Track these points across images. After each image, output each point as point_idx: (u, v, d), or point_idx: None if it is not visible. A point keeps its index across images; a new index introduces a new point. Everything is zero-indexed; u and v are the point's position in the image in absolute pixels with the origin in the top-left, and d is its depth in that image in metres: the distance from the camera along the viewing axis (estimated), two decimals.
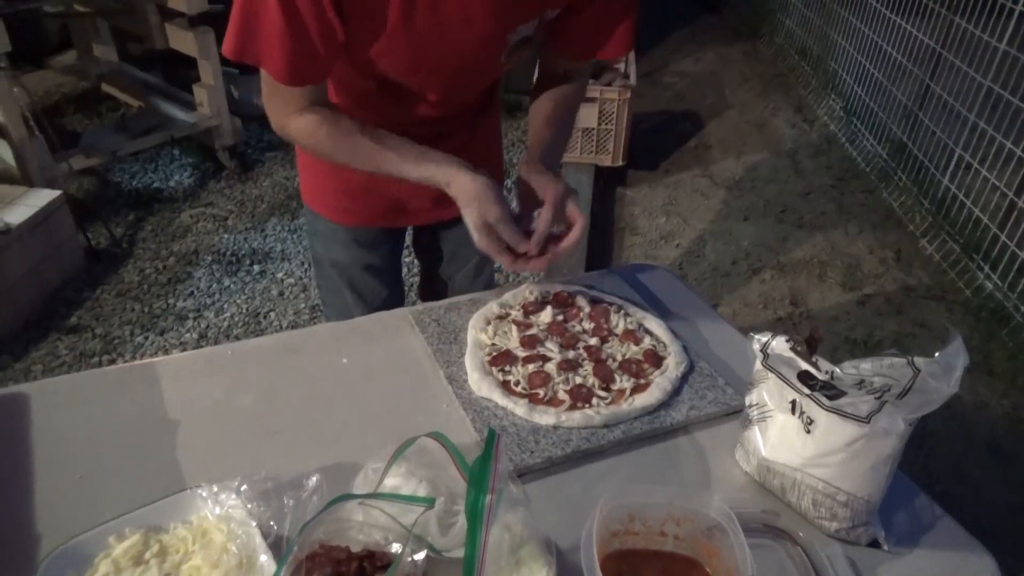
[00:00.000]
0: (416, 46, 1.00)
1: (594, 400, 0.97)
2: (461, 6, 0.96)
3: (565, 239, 1.05)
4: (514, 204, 1.08)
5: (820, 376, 0.80)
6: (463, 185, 1.01)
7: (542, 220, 1.03)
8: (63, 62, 4.28)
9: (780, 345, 0.85)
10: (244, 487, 0.77)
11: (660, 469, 0.91)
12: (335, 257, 1.37)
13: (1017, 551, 1.85)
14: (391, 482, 0.76)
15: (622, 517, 0.74)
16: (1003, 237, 2.63)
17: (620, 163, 3.44)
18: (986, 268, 2.72)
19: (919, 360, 0.75)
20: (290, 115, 1.04)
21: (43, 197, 2.66)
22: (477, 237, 1.02)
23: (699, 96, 4.37)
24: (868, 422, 0.74)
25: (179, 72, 3.65)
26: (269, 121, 1.08)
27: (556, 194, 1.04)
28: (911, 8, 3.30)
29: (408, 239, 1.50)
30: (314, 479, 0.78)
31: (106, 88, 3.91)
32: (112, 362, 2.43)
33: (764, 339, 0.86)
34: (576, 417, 0.94)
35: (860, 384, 0.78)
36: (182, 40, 3.20)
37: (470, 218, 1.01)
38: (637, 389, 0.99)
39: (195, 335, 2.55)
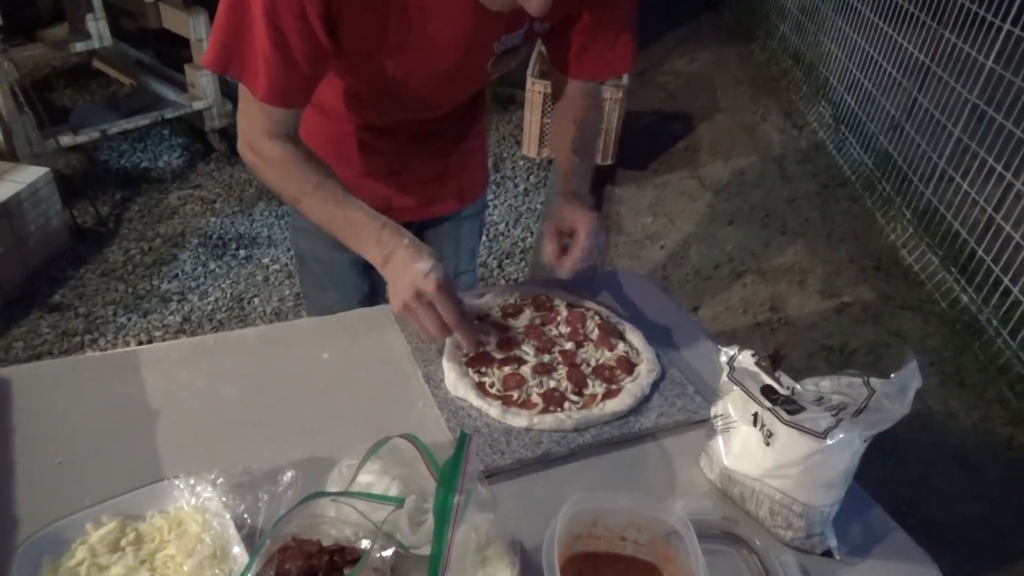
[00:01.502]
0: (408, 57, 1.02)
1: (566, 404, 0.99)
2: (450, 17, 0.98)
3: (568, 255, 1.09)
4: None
5: (782, 391, 0.83)
6: (415, 246, 0.99)
7: (577, 246, 1.07)
8: (55, 35, 4.24)
9: (746, 359, 0.88)
10: (220, 480, 0.79)
11: (627, 474, 0.94)
12: (318, 253, 1.39)
13: (978, 561, 1.91)
14: (364, 479, 0.79)
15: (585, 521, 0.77)
16: (980, 251, 2.68)
17: (610, 162, 3.47)
18: (963, 281, 2.77)
19: (875, 381, 0.78)
20: (263, 136, 1.02)
21: (30, 174, 2.65)
22: (436, 277, 0.96)
23: (691, 97, 4.40)
24: (825, 438, 0.77)
25: (172, 52, 3.64)
26: (238, 141, 1.06)
27: (590, 224, 1.08)
28: (902, 19, 3.33)
29: None
30: (289, 474, 0.80)
31: (97, 64, 3.89)
32: (94, 342, 2.44)
33: (731, 352, 0.89)
34: (548, 420, 0.96)
35: (819, 401, 0.81)
36: (176, 20, 3.19)
37: (439, 261, 0.98)
38: (609, 394, 1.01)
39: (178, 318, 2.56)
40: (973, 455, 2.24)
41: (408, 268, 0.97)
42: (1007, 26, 2.59)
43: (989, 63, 2.68)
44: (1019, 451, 2.26)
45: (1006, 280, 2.55)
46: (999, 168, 2.63)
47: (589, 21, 1.10)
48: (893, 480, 2.12)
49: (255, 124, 1.03)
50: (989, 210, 2.66)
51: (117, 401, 0.97)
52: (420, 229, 1.43)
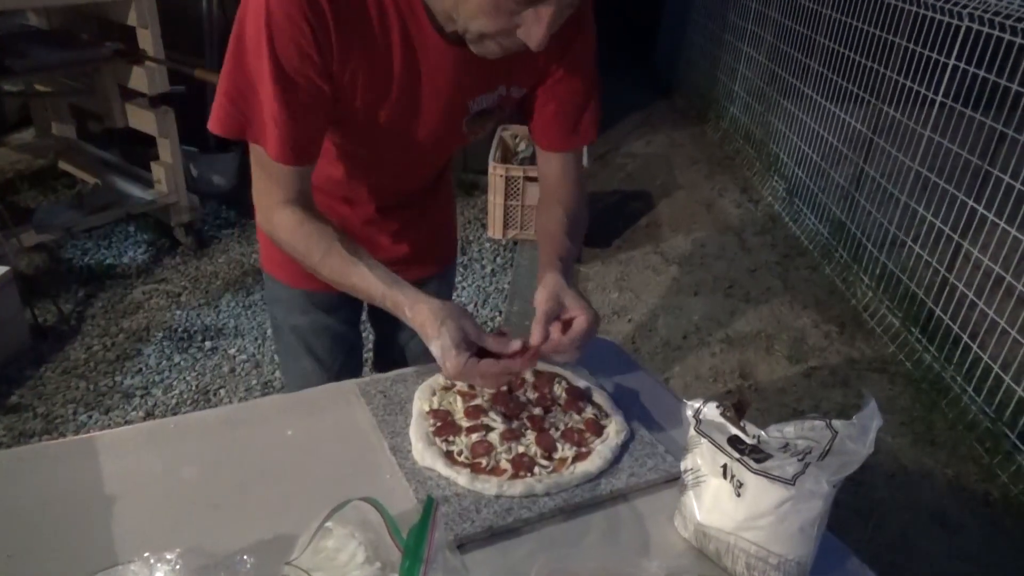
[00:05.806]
0: (397, 107, 1.07)
1: (536, 469, 0.98)
2: (431, 76, 1.04)
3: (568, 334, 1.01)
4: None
5: (748, 440, 0.83)
6: (431, 307, 0.99)
7: (578, 332, 1.01)
8: (20, 139, 4.28)
9: (711, 411, 0.88)
10: (179, 565, 0.76)
11: (601, 536, 0.92)
12: (295, 322, 1.40)
13: None
14: (329, 543, 0.76)
15: None
16: (938, 311, 2.75)
17: None
18: (924, 341, 2.82)
19: (837, 423, 0.79)
20: (277, 205, 1.06)
21: None
22: (454, 356, 0.95)
23: (650, 177, 4.54)
24: (794, 484, 0.77)
25: (137, 150, 3.68)
26: (256, 214, 1.10)
27: (588, 321, 1.01)
28: (843, 97, 3.52)
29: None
30: (248, 561, 0.77)
31: (63, 165, 3.91)
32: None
33: (696, 405, 0.89)
34: (518, 486, 0.95)
35: (785, 447, 0.81)
36: (142, 119, 3.24)
37: (446, 335, 0.96)
38: (578, 457, 1.00)
39: (141, 413, 2.50)
40: (951, 513, 2.23)
41: (431, 347, 0.99)
42: (940, 98, 2.75)
43: (927, 133, 2.83)
44: (996, 507, 2.26)
45: (965, 337, 2.60)
46: (947, 230, 2.73)
47: (556, 91, 1.14)
48: (874, 543, 2.09)
49: (270, 194, 1.06)
50: (942, 271, 2.75)
51: (71, 489, 0.93)
52: None
